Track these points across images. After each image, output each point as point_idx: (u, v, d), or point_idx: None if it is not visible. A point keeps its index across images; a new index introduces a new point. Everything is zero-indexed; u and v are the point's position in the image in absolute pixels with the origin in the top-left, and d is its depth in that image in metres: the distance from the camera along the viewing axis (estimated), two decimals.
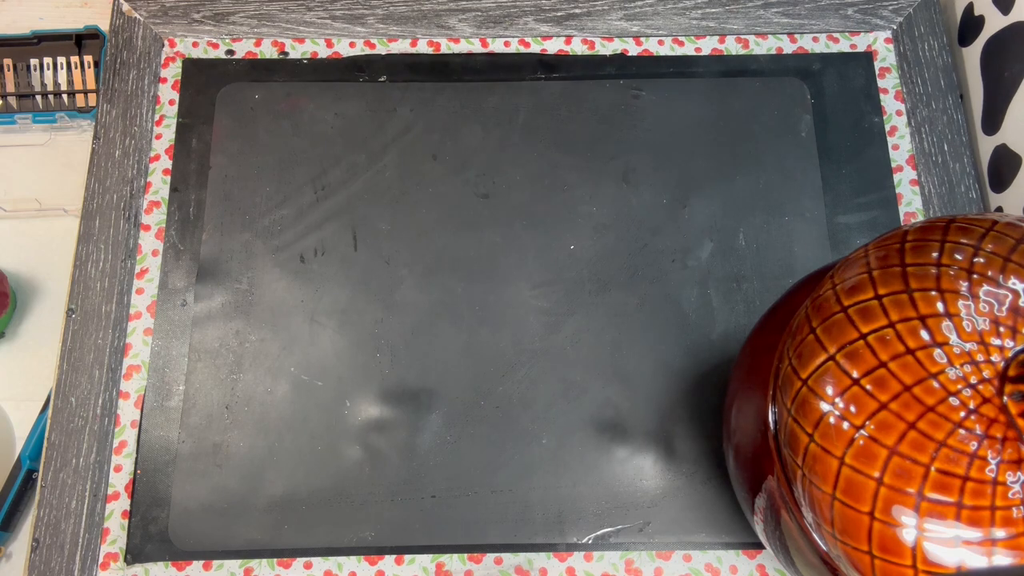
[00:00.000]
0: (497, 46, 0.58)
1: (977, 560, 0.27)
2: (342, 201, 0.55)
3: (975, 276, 0.29)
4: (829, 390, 0.29)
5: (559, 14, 0.58)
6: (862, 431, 0.28)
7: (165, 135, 0.56)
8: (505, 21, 0.58)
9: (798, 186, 0.55)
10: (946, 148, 0.56)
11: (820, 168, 0.55)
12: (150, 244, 0.53)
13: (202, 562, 0.47)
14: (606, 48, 0.58)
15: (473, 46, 0.58)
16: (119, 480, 0.49)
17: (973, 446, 0.27)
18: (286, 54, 0.58)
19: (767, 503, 0.35)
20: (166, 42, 0.58)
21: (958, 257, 0.29)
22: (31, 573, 0.47)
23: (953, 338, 0.28)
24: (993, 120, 0.54)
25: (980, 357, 0.28)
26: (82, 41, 0.59)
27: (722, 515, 0.48)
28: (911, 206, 0.55)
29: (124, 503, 0.48)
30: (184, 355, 0.51)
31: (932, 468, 0.27)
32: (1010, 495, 0.26)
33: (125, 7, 0.58)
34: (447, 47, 0.58)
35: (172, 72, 0.58)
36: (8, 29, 0.60)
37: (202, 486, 0.49)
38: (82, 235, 0.53)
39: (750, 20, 0.59)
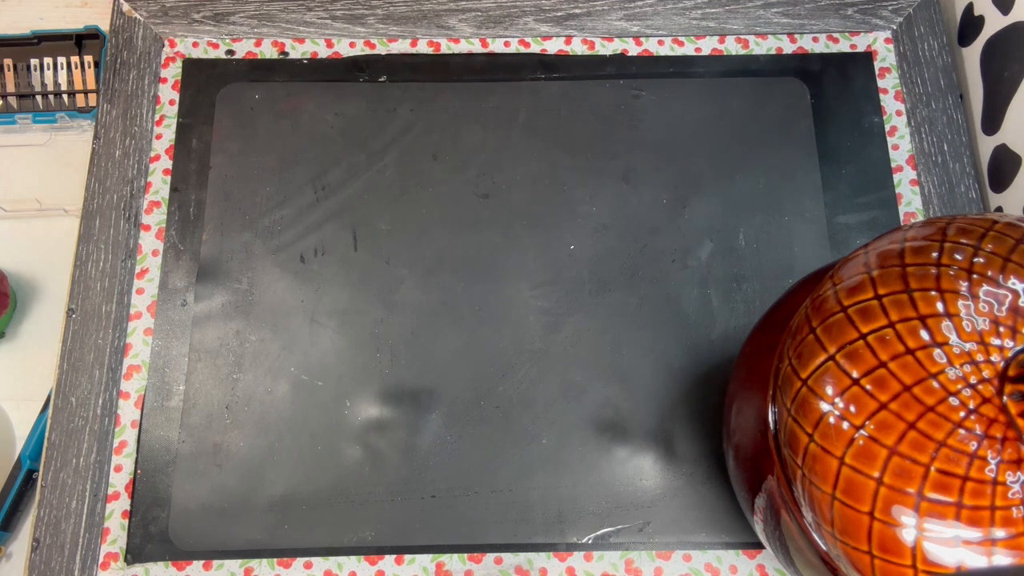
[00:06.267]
0: (497, 46, 0.58)
1: (977, 560, 0.27)
2: (342, 201, 0.55)
3: (975, 276, 0.29)
4: (829, 390, 0.29)
5: (559, 14, 0.58)
6: (862, 431, 0.28)
7: (165, 135, 0.56)
8: (505, 21, 0.58)
9: (798, 186, 0.55)
10: (946, 148, 0.56)
11: (820, 168, 0.55)
12: (150, 244, 0.53)
13: (202, 562, 0.47)
14: (606, 48, 0.58)
15: (473, 46, 0.58)
16: (119, 480, 0.49)
17: (973, 446, 0.27)
18: (286, 54, 0.58)
19: (767, 503, 0.35)
20: (166, 42, 0.58)
21: (958, 257, 0.29)
22: (31, 573, 0.47)
23: (953, 338, 0.28)
24: (993, 120, 0.54)
25: (980, 357, 0.28)
26: (82, 41, 0.59)
27: (722, 515, 0.48)
28: (911, 206, 0.55)
29: (124, 503, 0.48)
30: (184, 355, 0.51)
31: (932, 468, 0.27)
32: (1010, 495, 0.26)
33: (125, 7, 0.58)
34: (447, 47, 0.58)
35: (172, 72, 0.58)
36: (8, 29, 0.60)
37: (202, 486, 0.49)
38: (82, 235, 0.53)
39: (750, 20, 0.59)
